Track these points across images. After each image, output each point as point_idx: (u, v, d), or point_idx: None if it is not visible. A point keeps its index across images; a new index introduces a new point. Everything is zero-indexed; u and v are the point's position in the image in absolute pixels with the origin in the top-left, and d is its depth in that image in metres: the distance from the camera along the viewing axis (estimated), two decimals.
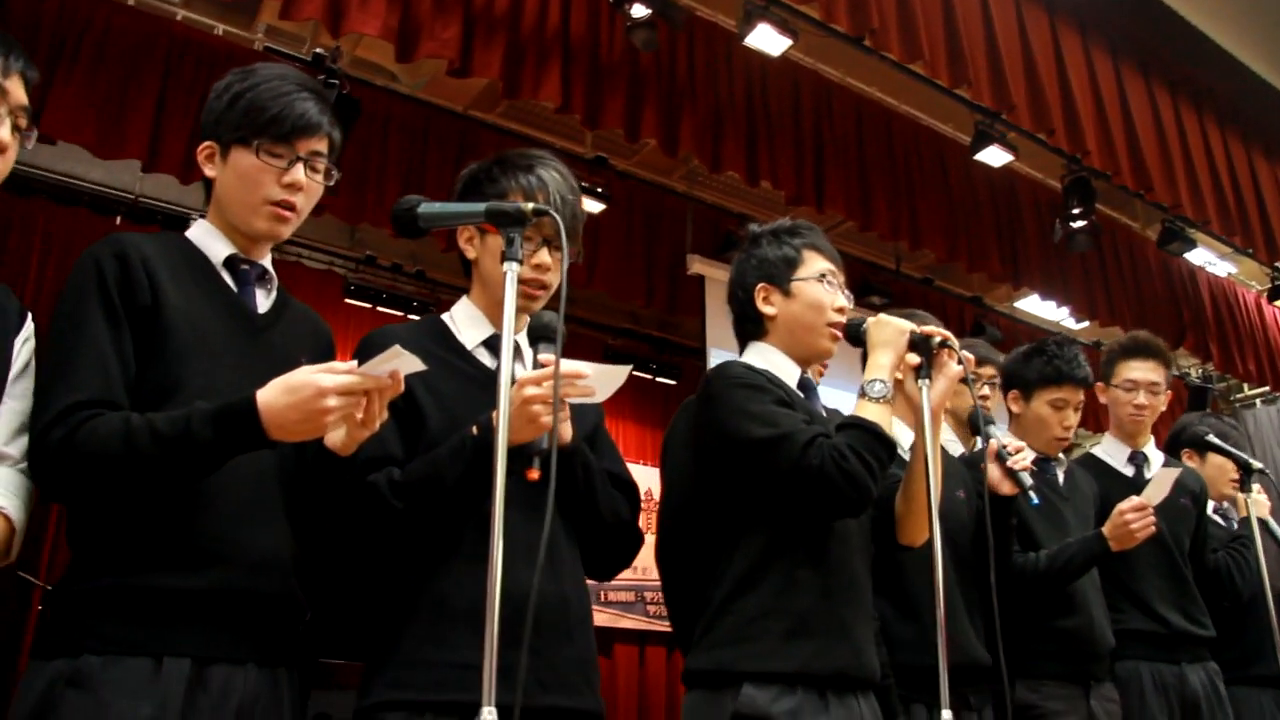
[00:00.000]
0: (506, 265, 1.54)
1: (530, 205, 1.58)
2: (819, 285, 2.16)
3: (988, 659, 2.57)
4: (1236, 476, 3.47)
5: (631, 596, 8.22)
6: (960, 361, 2.05)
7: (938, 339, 2.06)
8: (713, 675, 1.95)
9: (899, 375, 2.07)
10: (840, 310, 2.16)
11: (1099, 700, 2.80)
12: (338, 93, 5.28)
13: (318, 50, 5.66)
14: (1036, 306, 8.61)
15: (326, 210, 5.86)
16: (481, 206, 1.60)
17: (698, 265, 6.88)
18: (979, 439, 2.87)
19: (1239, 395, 10.07)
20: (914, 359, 2.05)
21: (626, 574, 9.01)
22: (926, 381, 2.04)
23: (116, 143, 5.09)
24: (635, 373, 8.36)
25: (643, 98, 5.28)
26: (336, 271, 7.50)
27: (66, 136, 5.01)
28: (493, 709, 1.30)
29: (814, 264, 2.18)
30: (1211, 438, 3.17)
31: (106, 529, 1.54)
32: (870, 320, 2.11)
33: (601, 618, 7.98)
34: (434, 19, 4.67)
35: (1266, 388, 8.94)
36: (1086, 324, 8.31)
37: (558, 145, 6.33)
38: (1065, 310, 7.75)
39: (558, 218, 1.59)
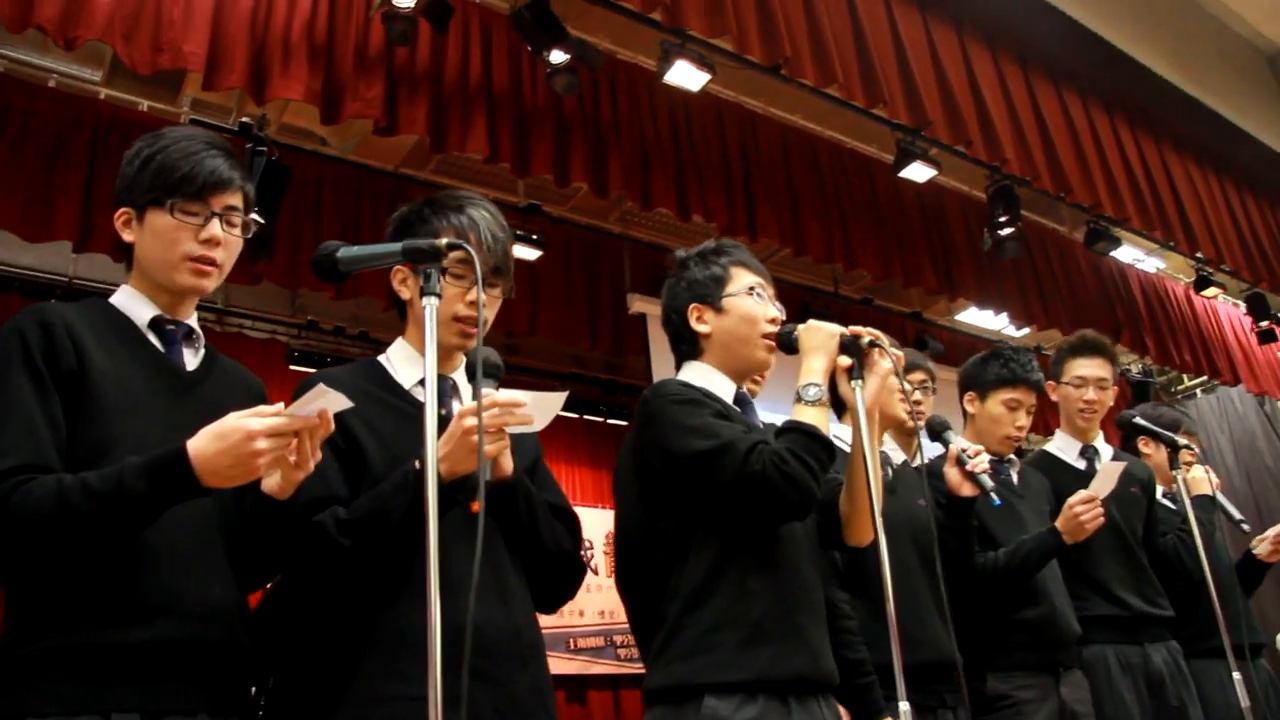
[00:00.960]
0: (425, 300, 1.58)
1: (445, 241, 1.62)
2: (749, 299, 2.20)
3: (960, 657, 2.64)
4: (1190, 460, 3.60)
5: (601, 641, 8.17)
6: (891, 359, 2.10)
7: (867, 339, 2.10)
8: (673, 690, 1.96)
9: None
10: (773, 321, 2.20)
11: (1069, 687, 2.88)
12: (267, 160, 5.31)
13: (244, 119, 5.68)
14: (975, 317, 8.77)
15: (265, 278, 5.88)
16: (398, 246, 1.64)
17: (639, 304, 6.95)
18: (919, 447, 2.94)
19: (1180, 387, 10.31)
20: (845, 361, 2.09)
21: (594, 619, 9.03)
22: (859, 382, 2.07)
23: (45, 226, 5.06)
24: (586, 416, 8.48)
25: (570, 142, 5.35)
26: (279, 339, 7.47)
27: None
28: None
29: (742, 279, 2.22)
30: (1137, 419, 3.28)
31: (46, 590, 1.54)
32: (801, 327, 2.15)
33: (572, 665, 7.94)
34: (357, 79, 4.72)
35: (1204, 377, 9.14)
36: (1027, 331, 8.47)
37: (491, 196, 6.37)
38: (1004, 318, 7.89)
39: (473, 251, 1.63)
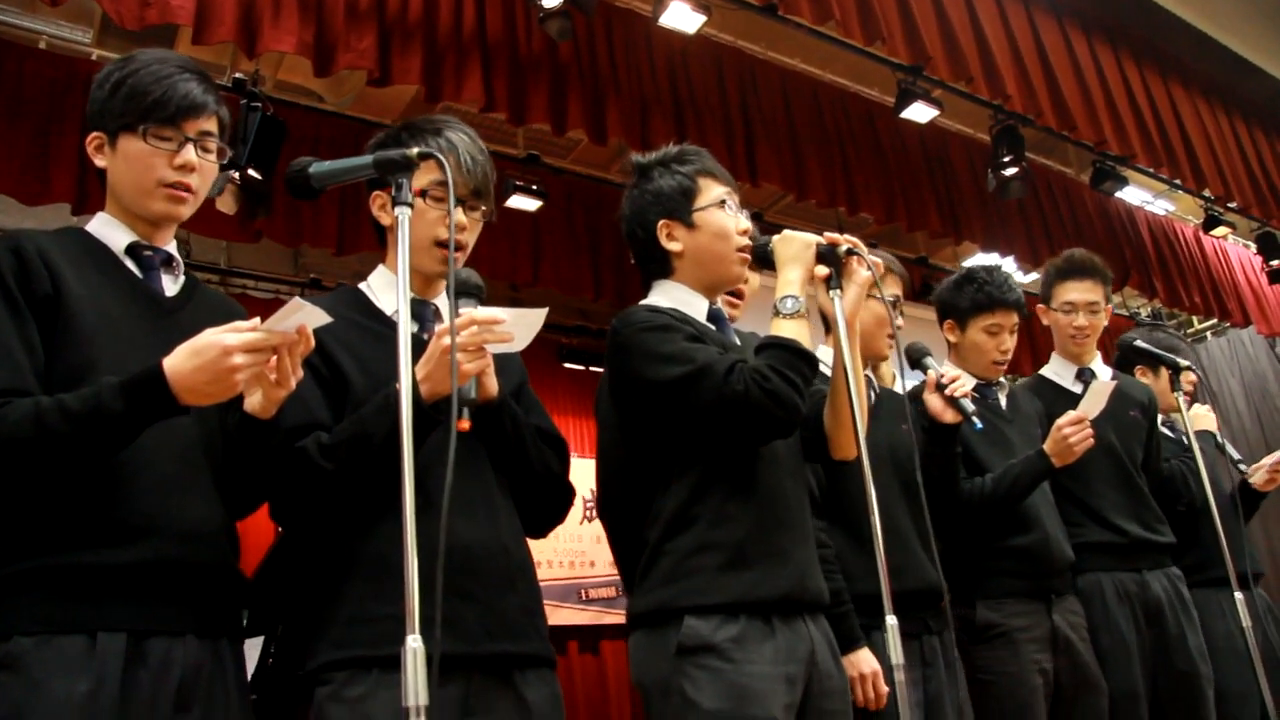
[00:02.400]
0: (398, 210, 1.56)
1: (415, 150, 1.60)
2: (720, 212, 2.13)
3: (943, 583, 2.59)
4: (1187, 390, 3.56)
5: (613, 592, 8.20)
6: (869, 268, 2.05)
7: (844, 247, 2.05)
8: (653, 614, 1.96)
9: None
10: (744, 233, 2.14)
11: (1062, 614, 2.84)
12: (262, 115, 5.27)
13: (238, 75, 5.64)
14: (983, 263, 8.67)
15: (265, 236, 5.86)
16: (369, 158, 1.62)
17: None
18: (895, 376, 2.90)
19: (1190, 330, 10.24)
20: (823, 270, 2.04)
21: (606, 570, 9.02)
22: (838, 292, 2.03)
23: (43, 188, 5.05)
24: (592, 368, 8.46)
25: (566, 90, 5.29)
26: (283, 299, 7.46)
27: None
28: (417, 636, 1.31)
29: (711, 190, 2.15)
30: (1138, 343, 3.22)
31: (28, 512, 1.54)
32: (776, 238, 2.09)
33: (585, 616, 7.99)
34: (349, 30, 4.67)
35: (1214, 319, 9.07)
36: (1035, 275, 8.39)
37: (490, 148, 6.33)
38: (1010, 261, 7.82)
39: (443, 158, 1.61)
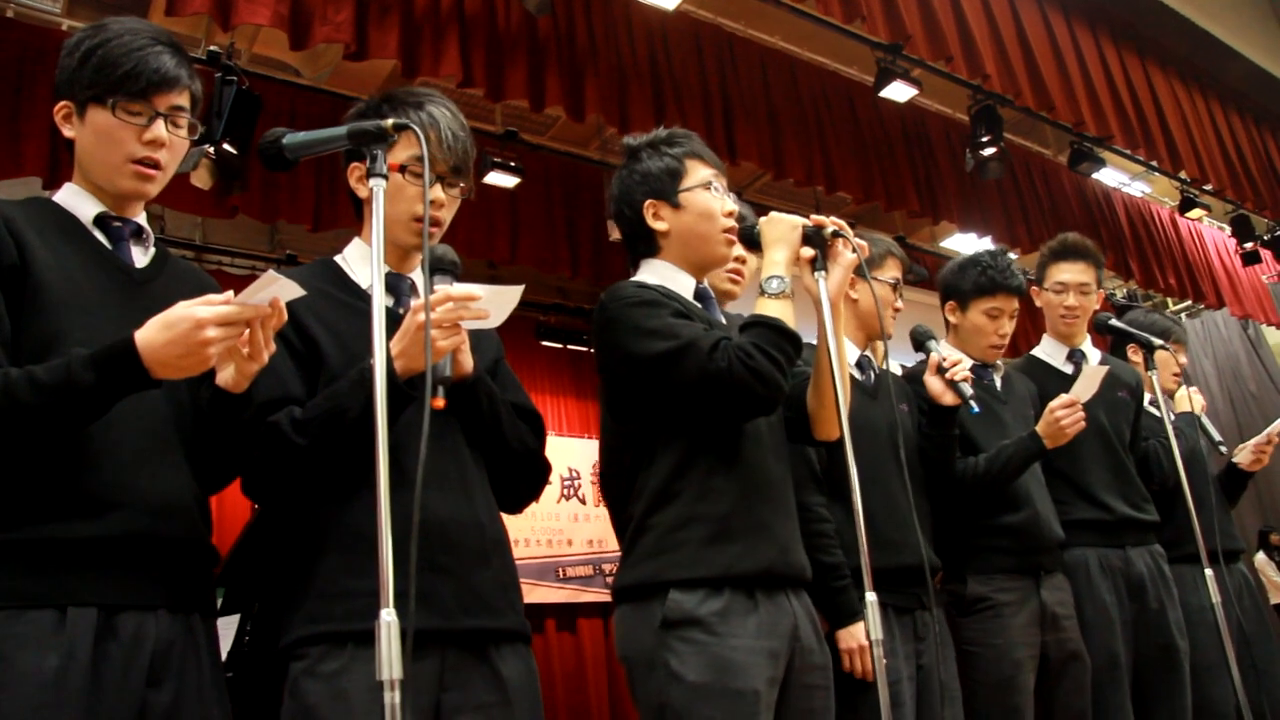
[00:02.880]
0: (372, 182, 1.55)
1: (390, 121, 1.58)
2: (706, 193, 2.15)
3: (938, 561, 2.68)
4: (1177, 370, 3.62)
5: (590, 570, 8.25)
6: (854, 250, 2.06)
7: (830, 228, 2.06)
8: (638, 588, 1.97)
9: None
10: (730, 214, 2.16)
11: (1050, 590, 2.89)
12: (237, 89, 5.21)
13: (212, 48, 5.57)
14: (960, 243, 8.72)
15: (241, 211, 5.80)
16: (343, 129, 1.60)
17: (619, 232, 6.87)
18: (886, 353, 2.93)
19: (1166, 312, 10.31)
20: (808, 252, 2.05)
21: (583, 548, 9.04)
22: (823, 273, 2.04)
23: (12, 161, 4.97)
24: (570, 346, 8.46)
25: (545, 66, 5.26)
26: (258, 275, 7.40)
27: None
28: (391, 610, 1.31)
29: (698, 172, 2.17)
30: (1113, 321, 3.26)
31: None
32: (762, 220, 2.11)
33: (562, 594, 8.02)
34: (326, 3, 4.61)
35: (1189, 301, 9.15)
36: (1013, 257, 8.43)
37: (470, 125, 6.28)
38: (988, 241, 7.85)
39: (419, 130, 1.59)
